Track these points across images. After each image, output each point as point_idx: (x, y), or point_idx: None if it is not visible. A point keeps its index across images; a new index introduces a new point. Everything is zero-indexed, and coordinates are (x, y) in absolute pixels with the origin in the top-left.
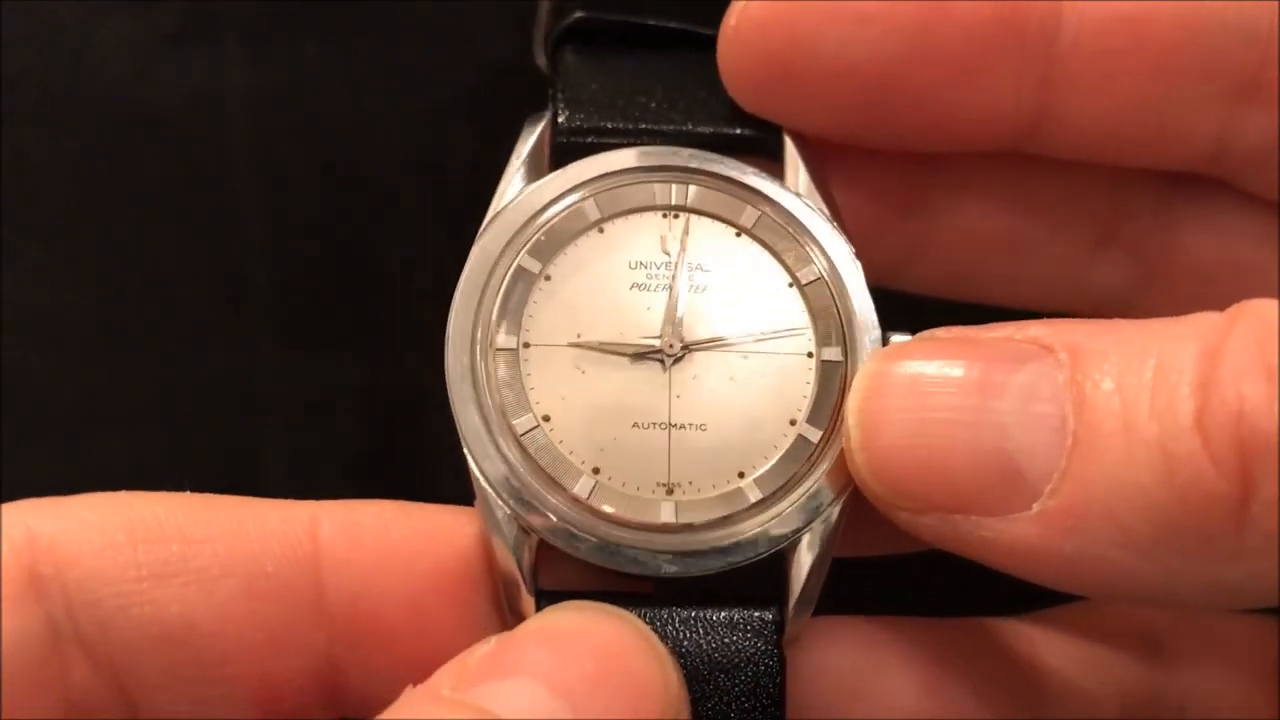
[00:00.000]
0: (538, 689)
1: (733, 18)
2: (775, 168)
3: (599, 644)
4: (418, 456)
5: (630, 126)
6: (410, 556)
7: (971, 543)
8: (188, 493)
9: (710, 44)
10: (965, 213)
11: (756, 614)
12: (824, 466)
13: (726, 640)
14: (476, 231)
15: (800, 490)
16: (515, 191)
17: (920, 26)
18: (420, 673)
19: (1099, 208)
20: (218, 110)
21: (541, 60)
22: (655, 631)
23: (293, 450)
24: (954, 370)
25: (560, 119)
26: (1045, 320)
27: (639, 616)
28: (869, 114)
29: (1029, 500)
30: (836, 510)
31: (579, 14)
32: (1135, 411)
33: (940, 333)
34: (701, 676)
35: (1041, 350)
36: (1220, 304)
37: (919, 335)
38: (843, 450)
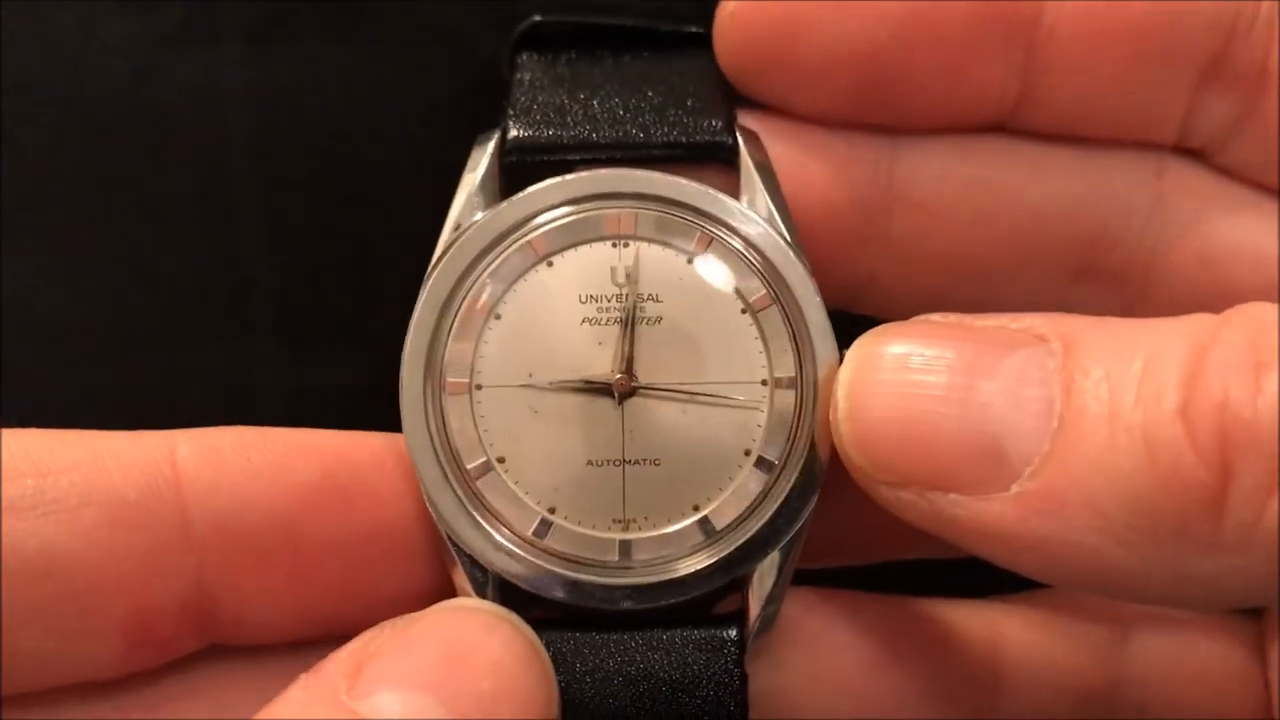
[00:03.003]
0: (436, 708)
1: (729, 6)
2: (731, 176)
3: (494, 658)
4: None
5: (579, 139)
6: (275, 476)
7: (947, 521)
8: (34, 429)
9: (669, 40)
10: (934, 239)
11: (717, 634)
12: (780, 494)
13: (688, 660)
14: None
15: (756, 519)
16: (466, 219)
17: (910, 14)
18: (293, 590)
19: (1077, 236)
20: (218, 110)
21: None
22: (616, 654)
23: None
24: (946, 351)
25: (510, 135)
26: (1040, 314)
27: (600, 639)
28: (863, 97)
29: (1008, 481)
30: (793, 535)
31: (535, 19)
32: (1122, 400)
33: (935, 317)
34: (664, 697)
35: (1035, 339)
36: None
37: (914, 319)
38: (800, 476)
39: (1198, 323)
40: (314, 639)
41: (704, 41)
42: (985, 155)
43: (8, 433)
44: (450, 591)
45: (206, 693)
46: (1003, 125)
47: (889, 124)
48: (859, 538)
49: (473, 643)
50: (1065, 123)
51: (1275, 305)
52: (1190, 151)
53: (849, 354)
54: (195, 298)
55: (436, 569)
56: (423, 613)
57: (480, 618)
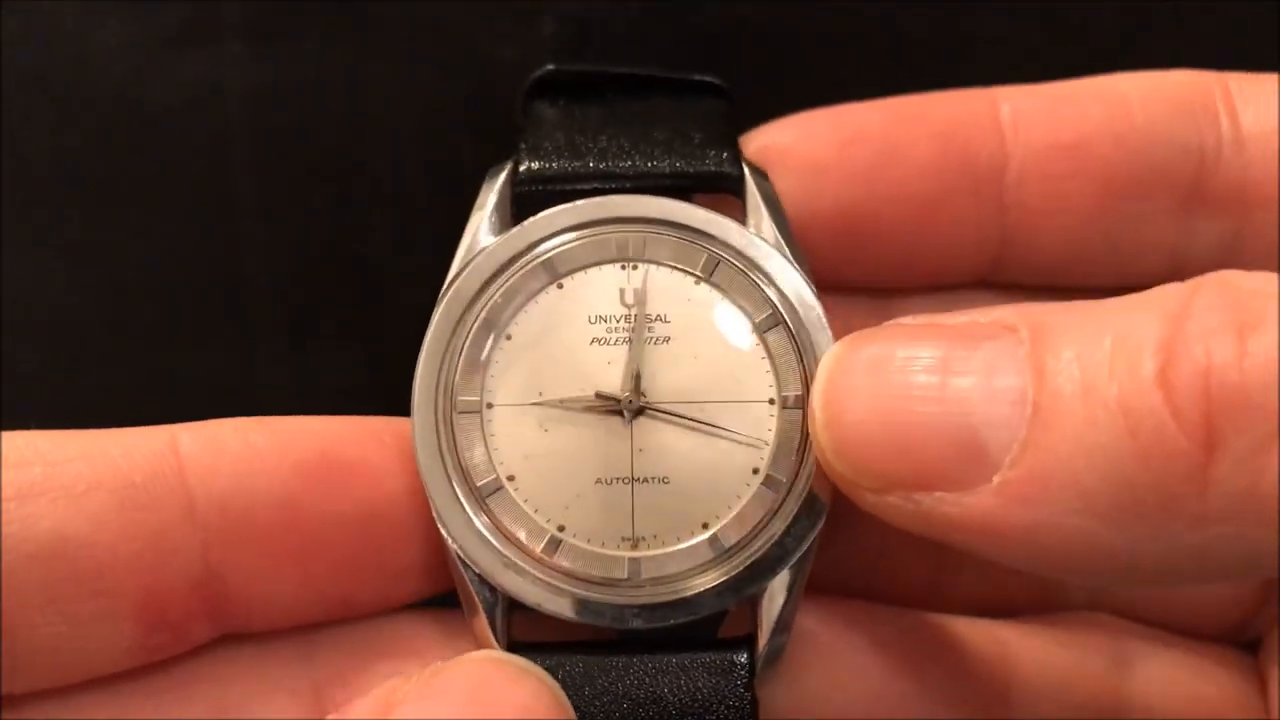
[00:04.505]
0: None
1: None
2: (737, 205)
3: (520, 710)
4: None
5: (589, 169)
6: (273, 456)
7: (934, 520)
8: (38, 430)
9: (676, 87)
10: None
11: (727, 657)
12: (789, 513)
13: (698, 684)
14: None
15: (765, 538)
16: (479, 246)
17: (872, 170)
18: (298, 568)
19: None
20: (218, 110)
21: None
22: (626, 678)
23: None
24: (918, 351)
25: (520, 168)
26: (1010, 305)
27: (610, 663)
28: (844, 255)
29: (990, 472)
30: (802, 554)
31: (549, 67)
32: (1095, 376)
33: (905, 320)
34: None
35: (1004, 330)
36: None
37: (885, 324)
38: (808, 494)
39: (1165, 294)
40: (323, 621)
41: (710, 89)
42: (977, 301)
43: (13, 433)
44: (446, 571)
45: (213, 689)
46: (990, 276)
47: (879, 283)
48: (876, 580)
49: (499, 693)
50: (1053, 266)
51: (1244, 272)
52: None
53: (822, 362)
54: (195, 298)
55: (439, 544)
56: (448, 662)
57: (506, 669)
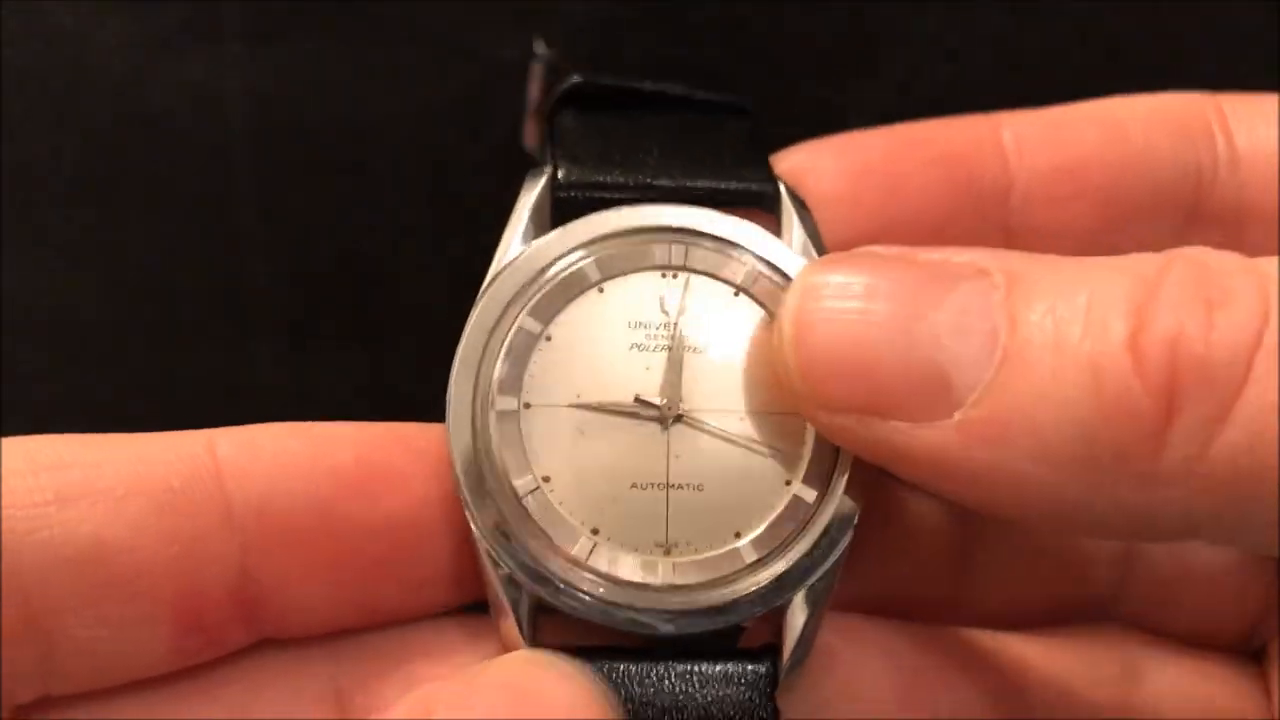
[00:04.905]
0: None
1: None
2: (772, 221)
3: (560, 706)
4: None
5: (629, 181)
6: (310, 461)
7: (886, 447)
8: (75, 435)
9: (704, 107)
10: None
11: (750, 667)
12: (819, 525)
13: (721, 693)
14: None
15: (796, 549)
16: (517, 248)
17: (880, 199)
18: (332, 573)
19: None
20: (218, 110)
21: (529, 140)
22: (649, 685)
23: None
24: (890, 281)
25: (560, 174)
26: (983, 248)
27: (634, 670)
28: None
29: (951, 409)
30: (829, 567)
31: (577, 79)
32: (1067, 331)
33: (879, 249)
34: None
35: (978, 272)
36: None
37: (858, 249)
38: (839, 506)
39: (1141, 261)
40: (353, 628)
41: (738, 110)
42: None
43: (51, 436)
44: (473, 581)
45: (240, 695)
46: None
47: None
48: (893, 593)
49: (542, 692)
50: None
51: (1214, 250)
52: None
53: (794, 283)
54: (195, 298)
55: (467, 552)
56: (488, 662)
57: (549, 668)
